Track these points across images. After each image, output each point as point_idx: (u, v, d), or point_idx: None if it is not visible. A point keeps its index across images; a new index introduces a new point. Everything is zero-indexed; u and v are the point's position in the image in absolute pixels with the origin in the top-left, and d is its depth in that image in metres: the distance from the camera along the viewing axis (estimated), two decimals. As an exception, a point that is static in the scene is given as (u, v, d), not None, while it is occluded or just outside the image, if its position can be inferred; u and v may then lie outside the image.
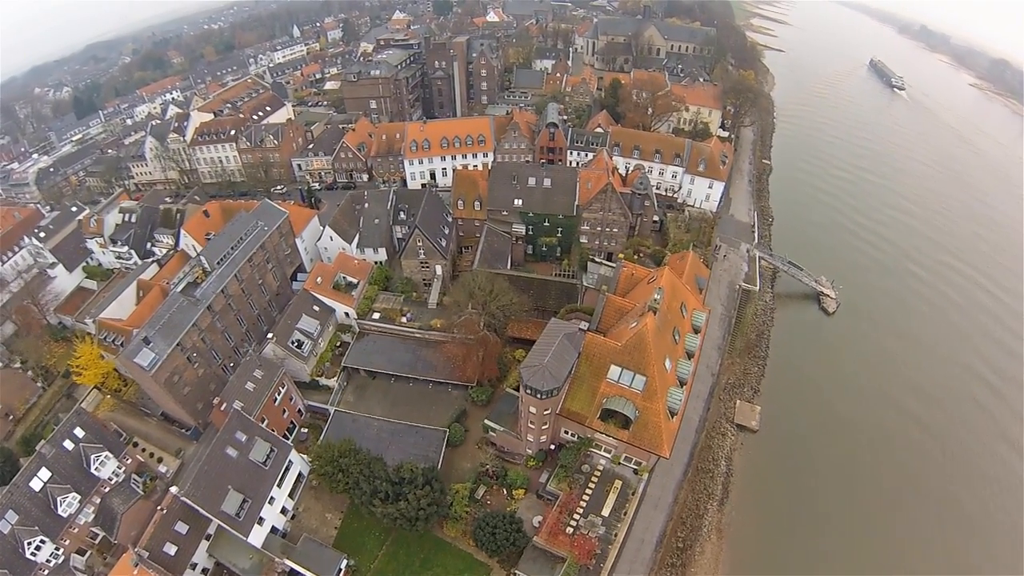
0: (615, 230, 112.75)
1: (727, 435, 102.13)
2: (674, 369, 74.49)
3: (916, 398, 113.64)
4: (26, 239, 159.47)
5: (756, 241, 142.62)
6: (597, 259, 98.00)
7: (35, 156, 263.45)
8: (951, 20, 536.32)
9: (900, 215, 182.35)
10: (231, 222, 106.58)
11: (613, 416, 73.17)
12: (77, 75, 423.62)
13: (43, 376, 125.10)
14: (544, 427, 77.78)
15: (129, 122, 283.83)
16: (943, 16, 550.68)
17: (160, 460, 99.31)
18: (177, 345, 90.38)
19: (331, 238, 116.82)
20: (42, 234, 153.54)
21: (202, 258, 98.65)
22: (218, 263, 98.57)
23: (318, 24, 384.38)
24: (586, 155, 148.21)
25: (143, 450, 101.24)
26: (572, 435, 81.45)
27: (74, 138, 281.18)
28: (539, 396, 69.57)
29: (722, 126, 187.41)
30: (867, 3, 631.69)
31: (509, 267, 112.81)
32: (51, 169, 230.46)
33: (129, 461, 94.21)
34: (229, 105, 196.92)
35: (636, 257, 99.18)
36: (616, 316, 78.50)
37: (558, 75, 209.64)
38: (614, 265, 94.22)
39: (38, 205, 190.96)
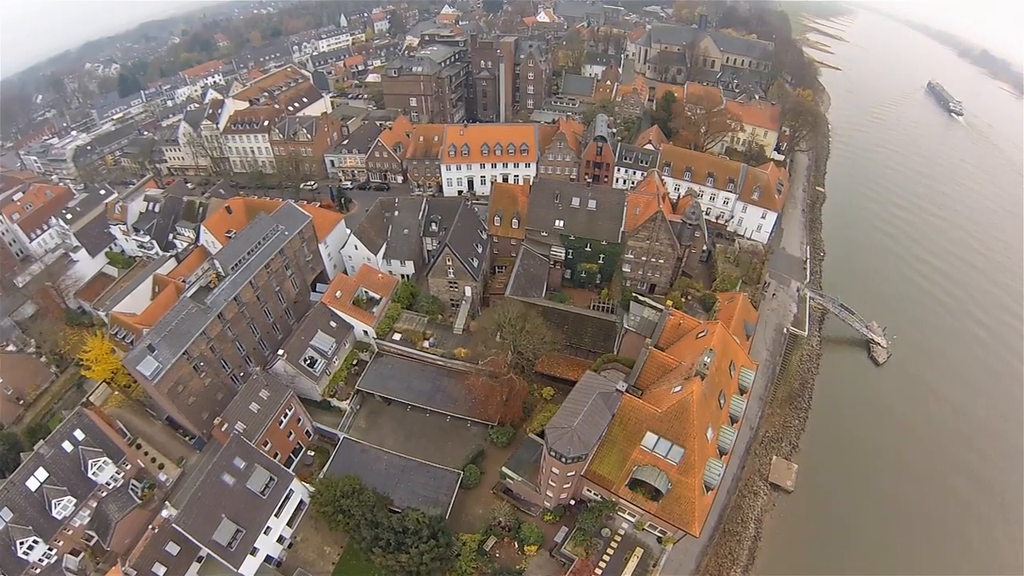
0: (661, 261, 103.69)
1: (759, 495, 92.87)
2: (715, 438, 65.79)
3: (965, 466, 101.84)
4: (54, 219, 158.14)
5: (807, 279, 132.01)
6: (641, 297, 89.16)
7: (74, 133, 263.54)
8: (1014, 46, 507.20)
9: (961, 252, 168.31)
10: (249, 225, 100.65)
11: (642, 485, 64.99)
12: (128, 53, 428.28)
13: (57, 362, 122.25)
14: (566, 486, 70.03)
15: (170, 103, 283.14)
16: (1006, 41, 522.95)
17: (161, 466, 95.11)
18: (183, 354, 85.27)
19: (356, 247, 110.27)
20: (69, 216, 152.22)
21: (216, 262, 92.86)
22: (232, 268, 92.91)
23: (366, 14, 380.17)
24: (634, 172, 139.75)
25: (145, 453, 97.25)
26: (595, 493, 73.49)
27: (115, 116, 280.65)
28: (564, 460, 61.77)
29: (777, 148, 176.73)
30: (928, 24, 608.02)
31: (545, 292, 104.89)
32: (88, 147, 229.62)
33: (128, 467, 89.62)
34: (266, 93, 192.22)
35: (684, 300, 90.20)
36: (658, 373, 69.97)
37: (608, 83, 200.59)
38: (660, 308, 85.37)
39: (69, 184, 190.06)
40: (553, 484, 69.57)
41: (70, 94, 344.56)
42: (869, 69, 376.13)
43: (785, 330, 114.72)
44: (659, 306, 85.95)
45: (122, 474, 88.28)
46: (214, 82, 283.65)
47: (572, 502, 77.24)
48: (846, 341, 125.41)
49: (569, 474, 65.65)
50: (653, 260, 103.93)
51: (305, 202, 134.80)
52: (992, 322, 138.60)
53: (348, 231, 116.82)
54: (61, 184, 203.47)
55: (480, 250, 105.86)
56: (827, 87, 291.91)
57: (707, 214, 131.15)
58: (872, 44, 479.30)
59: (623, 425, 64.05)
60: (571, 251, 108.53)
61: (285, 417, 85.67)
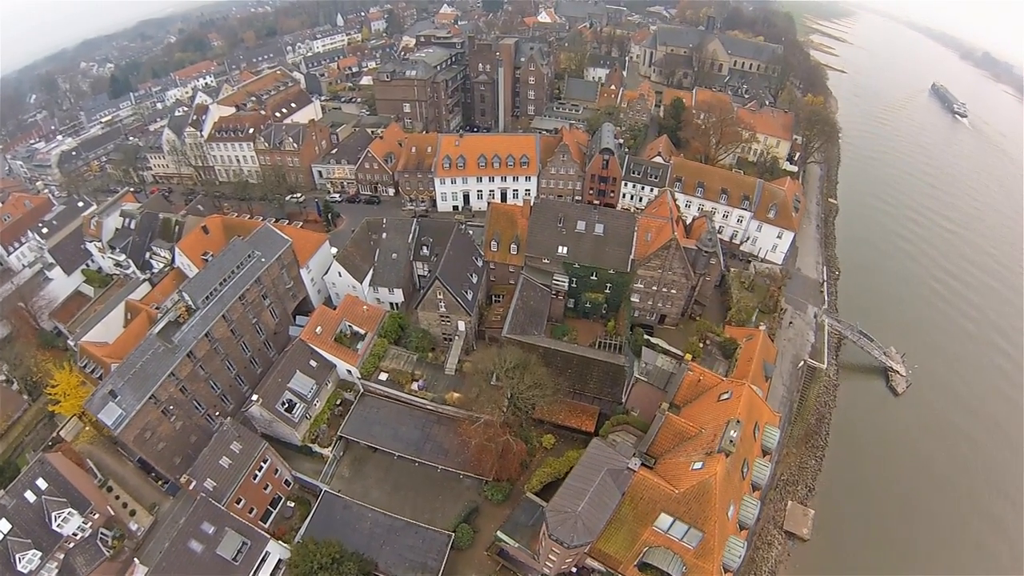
0: (673, 291, 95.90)
1: (774, 545, 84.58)
2: (736, 514, 57.77)
3: (991, 504, 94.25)
4: (30, 233, 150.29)
5: (825, 304, 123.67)
6: (653, 341, 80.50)
7: (60, 137, 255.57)
8: (1016, 48, 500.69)
9: (973, 255, 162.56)
10: (222, 252, 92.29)
11: (653, 567, 56.91)
12: (124, 52, 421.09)
13: (29, 390, 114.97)
14: (568, 561, 62.13)
15: (159, 106, 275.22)
16: (1007, 44, 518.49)
17: (133, 513, 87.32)
18: (150, 398, 77.90)
19: (339, 273, 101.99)
20: (45, 230, 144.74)
21: (184, 294, 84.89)
22: (203, 301, 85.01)
23: (363, 14, 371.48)
24: (642, 188, 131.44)
25: (117, 497, 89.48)
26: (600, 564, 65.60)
27: (103, 119, 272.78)
28: (565, 546, 53.74)
29: (789, 158, 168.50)
30: (930, 26, 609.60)
31: (545, 324, 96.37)
32: (73, 153, 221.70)
33: (96, 516, 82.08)
34: (253, 98, 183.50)
35: (703, 345, 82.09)
36: (674, 439, 61.71)
37: (613, 87, 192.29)
38: (676, 353, 77.04)
39: (49, 194, 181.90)
40: (553, 559, 61.70)
41: (62, 95, 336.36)
42: (873, 71, 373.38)
43: (802, 363, 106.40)
44: (675, 351, 77.63)
45: (89, 524, 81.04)
46: (205, 84, 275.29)
47: (574, 570, 69.58)
48: (864, 369, 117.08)
49: (571, 556, 57.88)
50: (665, 290, 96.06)
51: (286, 222, 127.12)
52: (1017, 336, 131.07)
53: (334, 251, 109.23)
54: (45, 191, 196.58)
55: (475, 280, 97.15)
56: (833, 90, 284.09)
57: (720, 233, 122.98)
58: (875, 46, 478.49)
59: (634, 504, 55.92)
60: (575, 280, 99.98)
61: (260, 471, 77.86)
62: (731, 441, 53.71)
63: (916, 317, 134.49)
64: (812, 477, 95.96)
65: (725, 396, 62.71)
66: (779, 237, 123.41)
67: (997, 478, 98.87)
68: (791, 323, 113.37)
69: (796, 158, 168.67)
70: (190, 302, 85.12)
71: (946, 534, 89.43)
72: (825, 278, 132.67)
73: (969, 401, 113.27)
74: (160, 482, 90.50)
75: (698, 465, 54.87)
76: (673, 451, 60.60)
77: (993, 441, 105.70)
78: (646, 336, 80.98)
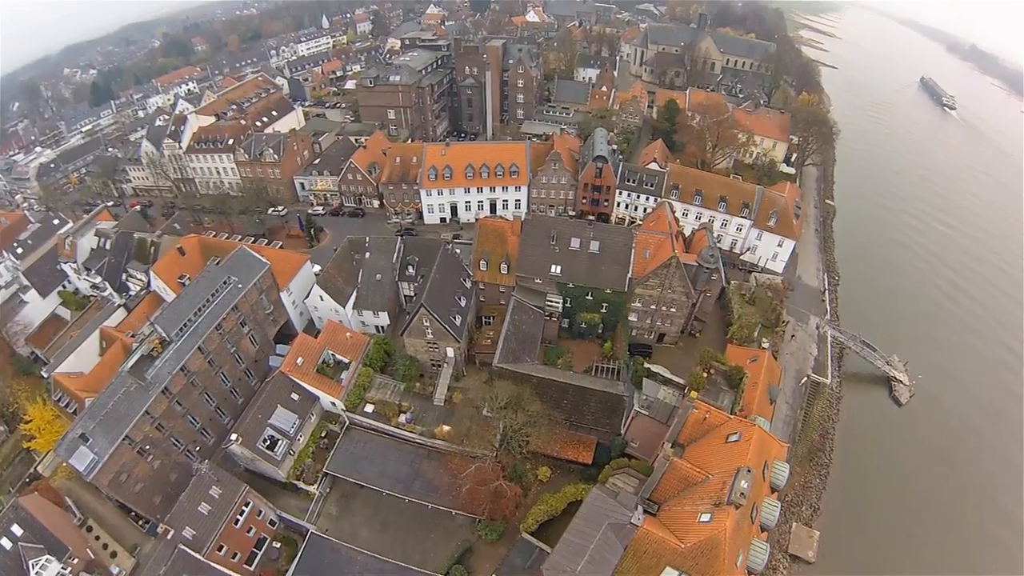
0: (673, 310, 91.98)
1: (778, 570, 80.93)
2: (745, 561, 53.90)
3: (1005, 516, 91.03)
4: (4, 253, 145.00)
5: (827, 314, 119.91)
6: (654, 369, 76.18)
7: (39, 149, 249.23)
8: (1003, 40, 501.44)
9: (975, 254, 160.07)
10: (195, 280, 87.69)
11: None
12: (108, 57, 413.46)
13: (6, 421, 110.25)
14: (570, 613, 58.21)
15: (141, 114, 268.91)
16: (993, 35, 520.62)
17: (114, 555, 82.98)
18: (124, 439, 73.73)
19: (321, 297, 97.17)
20: (20, 250, 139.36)
21: (157, 326, 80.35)
22: (178, 332, 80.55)
23: (348, 16, 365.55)
24: (637, 197, 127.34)
25: (97, 537, 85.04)
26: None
27: (84, 128, 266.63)
28: (565, 605, 49.87)
29: (786, 160, 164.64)
30: (916, 19, 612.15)
31: (539, 346, 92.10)
32: (52, 165, 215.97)
33: (75, 561, 77.89)
34: (234, 106, 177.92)
35: (707, 375, 78.33)
36: (678, 485, 57.33)
37: (604, 88, 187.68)
38: (679, 383, 73.20)
39: (26, 211, 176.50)
40: (553, 611, 57.82)
41: (44, 103, 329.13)
42: (863, 66, 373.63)
43: (806, 378, 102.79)
44: (678, 380, 73.62)
45: (69, 569, 76.95)
46: (187, 90, 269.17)
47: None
48: (867, 379, 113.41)
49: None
50: (664, 308, 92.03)
51: (265, 242, 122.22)
52: (1018, 330, 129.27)
53: (317, 268, 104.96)
54: (24, 205, 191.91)
55: (464, 303, 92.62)
56: (825, 87, 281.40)
57: (719, 242, 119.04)
58: (864, 41, 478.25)
59: (637, 558, 51.62)
60: (569, 300, 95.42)
61: (242, 515, 73.48)
62: (742, 494, 49.70)
63: (917, 315, 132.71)
64: (817, 497, 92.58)
65: (734, 438, 58.59)
66: (780, 245, 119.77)
67: (1007, 485, 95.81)
68: (793, 336, 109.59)
69: (793, 160, 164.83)
70: (163, 334, 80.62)
71: (956, 548, 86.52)
72: (826, 286, 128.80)
73: (974, 404, 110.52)
74: (140, 522, 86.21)
75: (706, 517, 50.76)
76: (678, 497, 56.43)
77: (1002, 445, 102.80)
78: (647, 365, 76.78)
